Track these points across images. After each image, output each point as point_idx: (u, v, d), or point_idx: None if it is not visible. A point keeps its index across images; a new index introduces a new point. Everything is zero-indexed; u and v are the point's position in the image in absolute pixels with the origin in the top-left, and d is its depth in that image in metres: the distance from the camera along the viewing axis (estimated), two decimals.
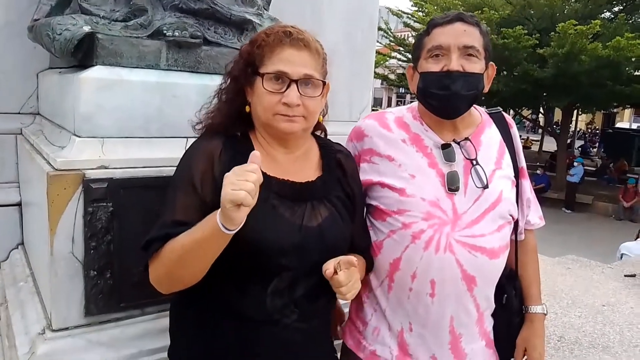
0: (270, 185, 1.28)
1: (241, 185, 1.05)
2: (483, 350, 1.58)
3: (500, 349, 1.63)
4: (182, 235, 1.18)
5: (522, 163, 1.62)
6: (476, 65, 1.44)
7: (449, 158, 1.48)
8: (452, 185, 1.46)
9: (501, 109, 1.68)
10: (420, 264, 1.44)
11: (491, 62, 1.51)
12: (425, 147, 1.51)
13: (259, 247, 1.23)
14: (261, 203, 1.20)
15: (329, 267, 1.25)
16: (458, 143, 1.51)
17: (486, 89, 1.50)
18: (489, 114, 1.64)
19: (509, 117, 1.67)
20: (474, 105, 1.56)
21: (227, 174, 1.09)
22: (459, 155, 1.50)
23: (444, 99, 1.44)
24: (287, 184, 1.32)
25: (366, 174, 1.53)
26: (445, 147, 1.50)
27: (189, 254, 1.17)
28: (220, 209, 1.10)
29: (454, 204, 1.45)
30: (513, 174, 1.57)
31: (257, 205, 1.16)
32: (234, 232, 1.11)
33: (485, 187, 1.47)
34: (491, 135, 1.58)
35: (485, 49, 1.46)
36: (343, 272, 1.24)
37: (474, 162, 1.49)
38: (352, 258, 1.26)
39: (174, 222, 1.22)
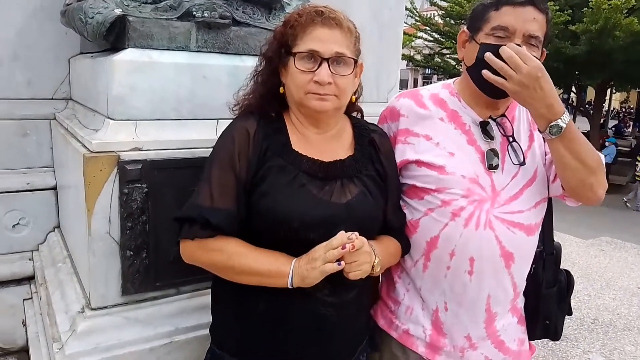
0: (300, 164, 1.32)
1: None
2: (514, 327, 1.58)
3: (529, 323, 1.62)
4: (244, 253, 1.28)
5: None
6: (534, 54, 1.38)
7: (488, 135, 1.46)
8: (491, 162, 1.44)
9: None
10: (459, 241, 1.43)
11: (544, 50, 1.46)
12: (463, 124, 1.49)
13: (287, 222, 1.26)
14: (290, 181, 1.28)
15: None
16: (495, 120, 1.49)
17: None
18: None
19: None
20: None
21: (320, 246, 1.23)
22: (497, 132, 1.48)
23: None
24: (317, 163, 1.33)
25: (402, 154, 1.51)
26: (483, 124, 1.47)
27: (243, 274, 1.29)
28: (298, 263, 1.24)
29: (492, 181, 1.44)
30: (544, 143, 1.53)
31: (287, 182, 1.27)
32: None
33: (522, 163, 1.46)
34: (523, 108, 1.53)
35: (545, 37, 1.41)
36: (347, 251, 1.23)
37: (511, 139, 1.48)
38: (345, 237, 1.23)
39: (212, 208, 1.26)
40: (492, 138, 1.46)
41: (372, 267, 1.29)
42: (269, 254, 1.28)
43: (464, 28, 1.52)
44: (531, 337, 1.65)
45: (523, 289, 1.58)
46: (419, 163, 1.48)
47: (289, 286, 1.25)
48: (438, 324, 1.52)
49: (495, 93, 1.43)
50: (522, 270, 1.52)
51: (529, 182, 1.47)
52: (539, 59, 1.41)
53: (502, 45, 1.34)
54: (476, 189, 1.43)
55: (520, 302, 1.60)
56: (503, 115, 1.50)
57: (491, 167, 1.44)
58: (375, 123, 1.58)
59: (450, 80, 1.60)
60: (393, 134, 1.56)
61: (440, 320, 1.52)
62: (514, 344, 1.57)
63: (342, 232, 1.23)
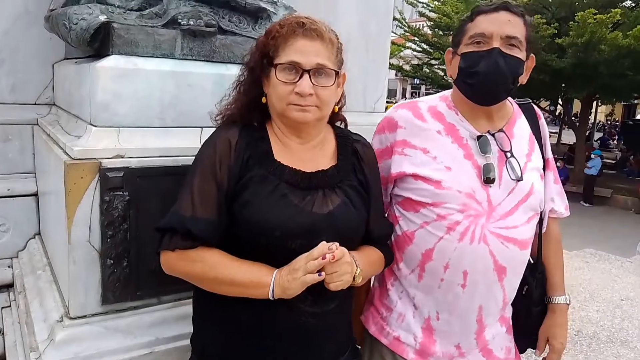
0: (282, 174, 1.32)
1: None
2: (503, 336, 1.59)
3: (518, 338, 1.64)
4: (226, 264, 1.27)
5: (549, 154, 1.62)
6: (519, 55, 1.42)
7: (485, 150, 1.47)
8: (487, 176, 1.45)
9: (530, 100, 1.66)
10: (453, 254, 1.44)
11: (532, 55, 1.49)
12: (460, 137, 1.50)
13: (269, 232, 1.25)
14: (272, 191, 1.28)
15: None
16: (493, 135, 1.50)
17: (524, 80, 1.49)
18: (518, 105, 1.63)
19: (537, 109, 1.66)
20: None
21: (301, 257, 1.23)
22: (494, 147, 1.49)
23: (485, 77, 1.41)
24: (299, 173, 1.33)
25: (398, 166, 1.52)
26: (480, 138, 1.49)
27: (224, 284, 1.28)
28: (279, 274, 1.23)
29: (489, 196, 1.45)
30: (542, 166, 1.57)
31: (268, 192, 1.27)
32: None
33: (520, 179, 1.47)
34: (522, 126, 1.58)
35: (528, 40, 1.44)
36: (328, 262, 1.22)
37: (509, 155, 1.49)
38: (325, 247, 1.22)
39: (194, 218, 1.26)
40: (488, 153, 1.47)
41: (354, 277, 1.29)
42: (250, 265, 1.27)
43: (450, 48, 1.56)
44: (521, 351, 1.68)
45: (512, 299, 1.59)
46: (415, 177, 1.49)
47: (270, 297, 1.24)
48: (430, 331, 1.53)
49: (485, 100, 1.47)
50: (513, 282, 1.54)
51: (525, 198, 1.48)
52: (524, 62, 1.44)
53: (481, 51, 1.40)
54: (472, 203, 1.44)
55: (508, 312, 1.61)
56: (501, 130, 1.51)
57: (487, 182, 1.45)
58: (359, 133, 1.58)
59: (447, 92, 1.61)
60: (390, 144, 1.56)
61: (432, 327, 1.53)
62: (501, 353, 1.58)
63: (324, 242, 1.23)
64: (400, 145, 1.54)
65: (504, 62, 1.39)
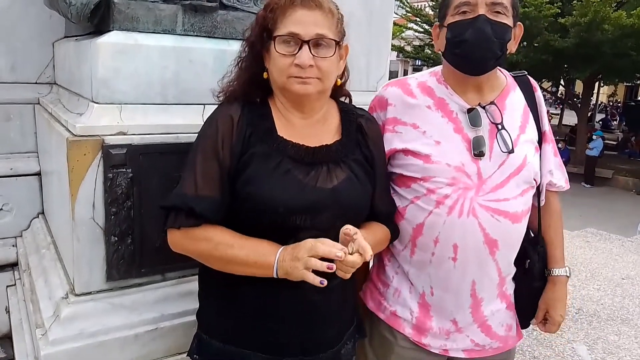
0: (285, 150, 1.31)
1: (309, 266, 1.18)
2: (503, 312, 1.59)
3: (520, 313, 1.64)
4: (230, 242, 1.26)
5: (546, 127, 1.59)
6: (505, 21, 1.40)
7: (475, 123, 1.46)
8: (478, 150, 1.44)
9: (526, 73, 1.64)
10: (442, 228, 1.44)
11: (519, 22, 1.47)
12: (450, 112, 1.49)
13: (272, 208, 1.25)
14: (275, 167, 1.27)
15: (348, 233, 1.21)
16: (483, 107, 1.48)
17: (513, 49, 1.47)
18: (514, 77, 1.61)
19: (533, 81, 1.63)
20: (499, 68, 1.52)
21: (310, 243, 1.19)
22: (485, 120, 1.47)
23: (472, 45, 1.39)
24: (302, 148, 1.32)
25: (390, 143, 1.51)
26: (470, 111, 1.47)
27: (230, 263, 1.28)
28: (282, 255, 1.22)
29: (479, 169, 1.44)
30: (537, 139, 1.55)
31: (271, 169, 1.26)
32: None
33: (511, 151, 1.46)
34: (516, 99, 1.55)
35: (513, 6, 1.41)
36: (356, 255, 1.19)
37: (500, 127, 1.47)
38: (368, 250, 1.20)
39: (197, 196, 1.25)
40: (479, 125, 1.46)
41: None
42: (255, 244, 1.26)
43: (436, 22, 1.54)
44: (523, 326, 1.68)
45: (511, 275, 1.59)
46: (405, 152, 1.48)
47: (275, 277, 1.24)
48: (425, 307, 1.54)
49: (474, 69, 1.45)
50: (507, 257, 1.53)
51: (517, 170, 1.47)
52: (511, 27, 1.42)
53: (467, 19, 1.38)
54: (462, 177, 1.43)
55: (510, 288, 1.61)
56: (492, 103, 1.49)
57: (477, 155, 1.44)
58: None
59: (438, 68, 1.59)
60: (382, 122, 1.55)
61: (427, 302, 1.53)
62: (501, 329, 1.58)
63: (328, 242, 1.19)
64: (391, 122, 1.53)
65: (490, 28, 1.37)
